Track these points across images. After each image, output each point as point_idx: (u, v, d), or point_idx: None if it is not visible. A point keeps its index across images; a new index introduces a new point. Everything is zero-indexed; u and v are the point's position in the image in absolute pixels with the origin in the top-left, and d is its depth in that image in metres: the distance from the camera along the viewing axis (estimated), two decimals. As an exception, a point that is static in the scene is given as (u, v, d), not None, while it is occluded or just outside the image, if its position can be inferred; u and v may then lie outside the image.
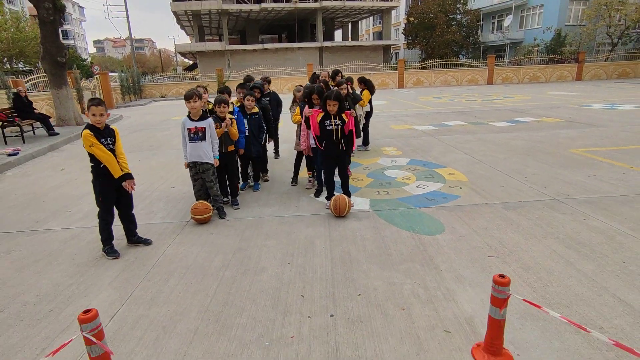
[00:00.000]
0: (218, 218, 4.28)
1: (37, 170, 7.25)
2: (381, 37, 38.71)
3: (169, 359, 2.18)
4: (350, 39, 44.64)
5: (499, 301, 1.94)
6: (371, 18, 49.21)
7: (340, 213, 4.09)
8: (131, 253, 3.55)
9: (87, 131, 3.22)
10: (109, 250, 3.47)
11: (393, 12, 43.65)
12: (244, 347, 2.24)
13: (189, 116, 3.98)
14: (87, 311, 1.79)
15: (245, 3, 32.26)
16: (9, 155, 7.89)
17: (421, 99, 18.29)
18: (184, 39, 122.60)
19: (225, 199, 4.66)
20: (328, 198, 4.42)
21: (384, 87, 27.71)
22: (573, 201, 4.36)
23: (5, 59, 30.32)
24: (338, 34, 50.26)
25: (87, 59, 59.16)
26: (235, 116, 4.59)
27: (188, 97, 3.83)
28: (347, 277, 2.96)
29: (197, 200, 4.26)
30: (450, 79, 28.02)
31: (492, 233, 3.62)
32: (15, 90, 10.48)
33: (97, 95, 20.31)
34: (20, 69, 31.34)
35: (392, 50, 47.88)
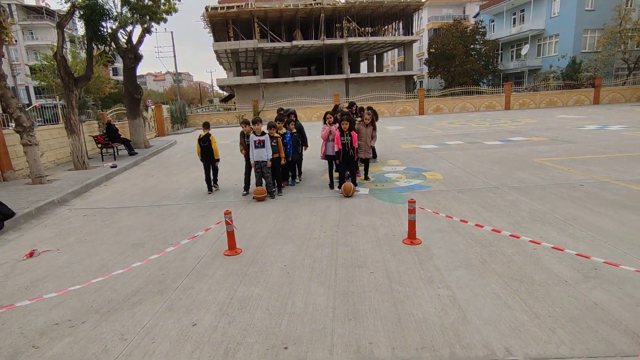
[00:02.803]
0: (270, 198, 6.68)
1: (133, 177, 10.01)
2: (404, 67, 41.41)
3: (255, 244, 4.53)
4: (375, 70, 47.70)
5: (411, 210, 4.17)
6: (396, 50, 52.28)
7: (347, 193, 6.39)
8: (221, 214, 5.96)
9: (213, 136, 6.77)
10: (209, 189, 6.99)
11: (417, 43, 46.69)
12: (292, 241, 4.56)
13: (254, 133, 6.47)
14: (227, 210, 4.19)
15: (278, 41, 36.01)
16: (111, 167, 10.75)
17: (436, 124, 20.39)
18: (220, 72, 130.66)
19: (274, 188, 7.06)
20: (339, 186, 6.72)
21: (405, 114, 29.98)
22: (507, 187, 6.45)
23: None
24: (364, 65, 53.63)
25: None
26: (288, 138, 7.09)
27: (255, 122, 6.39)
28: (347, 219, 5.24)
29: (256, 186, 6.68)
30: (469, 105, 29.91)
31: (441, 203, 5.80)
32: (106, 121, 13.61)
33: (152, 124, 23.91)
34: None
35: (416, 79, 50.56)
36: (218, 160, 7.43)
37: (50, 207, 6.95)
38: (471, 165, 8.54)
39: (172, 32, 38.90)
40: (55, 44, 9.85)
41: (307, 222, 5.23)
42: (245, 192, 7.08)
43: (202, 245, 4.64)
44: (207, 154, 7.23)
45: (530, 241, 3.52)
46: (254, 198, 6.62)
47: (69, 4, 9.76)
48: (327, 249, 4.24)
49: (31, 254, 4.58)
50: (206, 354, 2.56)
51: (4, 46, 7.98)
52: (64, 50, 10.08)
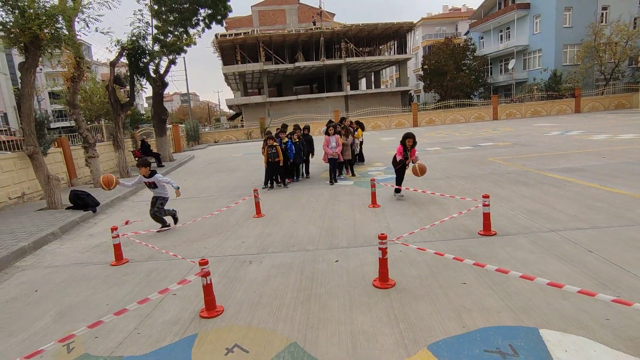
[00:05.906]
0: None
1: (169, 182, 12.44)
2: (400, 83, 44.18)
3: (272, 212, 6.89)
4: (373, 86, 50.56)
5: (372, 185, 6.53)
6: (393, 66, 55.28)
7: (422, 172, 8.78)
8: (247, 199, 8.33)
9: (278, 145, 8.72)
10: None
11: (413, 59, 49.64)
12: (296, 209, 6.92)
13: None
14: (255, 188, 6.58)
15: (282, 63, 38.98)
16: (149, 175, 13.21)
17: (425, 134, 22.74)
18: (227, 92, 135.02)
19: (281, 184, 9.42)
20: (335, 181, 9.10)
21: (400, 126, 32.37)
22: (455, 177, 8.77)
23: (95, 118, 38.32)
24: (364, 81, 56.59)
25: (144, 114, 69.62)
26: (290, 145, 9.48)
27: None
28: (334, 198, 7.60)
29: (266, 184, 9.07)
30: (459, 117, 32.22)
31: (405, 185, 8.13)
32: (140, 139, 16.21)
33: (170, 141, 26.47)
34: (105, 124, 39.16)
35: (413, 94, 53.34)
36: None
37: (118, 201, 9.39)
38: (438, 164, 10.88)
39: (184, 58, 42.10)
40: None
41: (307, 200, 7.61)
42: (264, 187, 9.44)
43: (238, 214, 7.03)
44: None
45: (440, 195, 5.84)
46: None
47: (119, 47, 12.43)
48: (319, 212, 6.60)
49: (127, 222, 6.99)
50: (253, 249, 4.93)
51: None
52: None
